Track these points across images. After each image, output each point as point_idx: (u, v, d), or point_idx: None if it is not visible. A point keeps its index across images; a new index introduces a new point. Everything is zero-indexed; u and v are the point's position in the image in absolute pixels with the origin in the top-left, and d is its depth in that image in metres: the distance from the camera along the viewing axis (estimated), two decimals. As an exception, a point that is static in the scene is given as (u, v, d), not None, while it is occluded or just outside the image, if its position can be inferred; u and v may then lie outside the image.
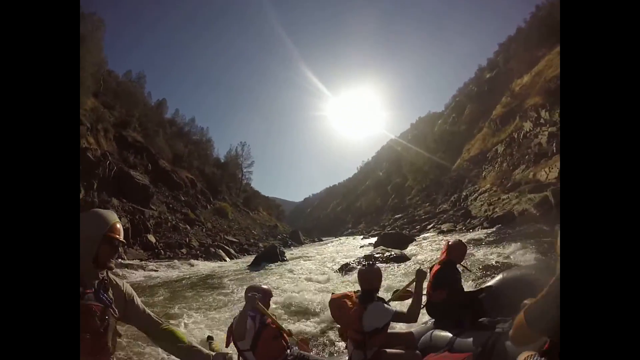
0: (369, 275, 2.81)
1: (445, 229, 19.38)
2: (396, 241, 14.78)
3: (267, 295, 2.87)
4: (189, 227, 25.72)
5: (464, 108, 57.14)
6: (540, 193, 16.36)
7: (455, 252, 3.68)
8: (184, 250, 19.78)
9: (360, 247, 20.57)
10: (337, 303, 2.83)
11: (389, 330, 2.81)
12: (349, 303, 2.77)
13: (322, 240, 40.77)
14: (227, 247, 23.44)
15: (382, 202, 69.21)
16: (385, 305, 2.69)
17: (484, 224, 16.68)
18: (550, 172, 19.53)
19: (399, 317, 2.66)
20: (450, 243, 3.76)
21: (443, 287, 3.51)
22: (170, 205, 28.79)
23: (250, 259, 18.37)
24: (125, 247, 18.74)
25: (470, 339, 2.84)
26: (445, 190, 38.10)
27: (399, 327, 3.46)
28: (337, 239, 41.18)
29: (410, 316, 2.63)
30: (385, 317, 2.63)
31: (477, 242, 12.11)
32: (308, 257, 17.31)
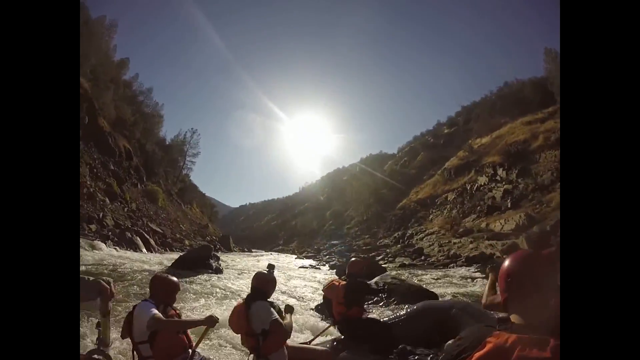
0: (265, 278, 2.78)
1: (406, 263, 17.48)
2: (369, 271, 11.94)
3: (174, 287, 2.66)
4: (108, 201, 20.97)
5: (417, 154, 59.45)
6: (499, 240, 17.21)
7: (359, 268, 3.78)
8: (92, 227, 15.40)
9: (300, 267, 17.84)
10: (234, 311, 2.74)
11: (303, 345, 2.95)
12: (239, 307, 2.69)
13: (251, 252, 37.26)
14: (148, 236, 19.28)
15: (318, 225, 68.51)
16: (270, 307, 2.59)
17: (458, 262, 15.11)
18: (505, 224, 20.35)
19: (277, 324, 2.52)
20: (352, 261, 3.95)
21: (359, 304, 3.53)
22: (95, 170, 23.60)
23: (172, 256, 14.84)
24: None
25: None
26: (389, 225, 38.04)
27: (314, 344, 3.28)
28: (268, 253, 38.39)
29: (286, 332, 2.57)
30: (269, 316, 2.52)
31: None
32: (246, 271, 12.89)
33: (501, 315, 1.09)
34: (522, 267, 1.06)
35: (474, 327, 1.34)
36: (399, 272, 13.35)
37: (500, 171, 28.53)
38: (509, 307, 1.07)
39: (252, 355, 2.62)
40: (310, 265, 19.31)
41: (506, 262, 1.10)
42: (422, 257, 18.81)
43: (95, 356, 2.32)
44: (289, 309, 2.81)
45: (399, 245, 26.66)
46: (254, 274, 2.81)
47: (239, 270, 12.82)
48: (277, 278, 2.85)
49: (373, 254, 23.79)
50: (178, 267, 10.83)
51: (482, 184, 29.55)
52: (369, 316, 3.80)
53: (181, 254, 14.46)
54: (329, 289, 3.73)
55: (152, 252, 17.18)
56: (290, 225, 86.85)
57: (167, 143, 48.42)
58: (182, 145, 48.62)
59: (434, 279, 11.58)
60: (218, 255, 14.20)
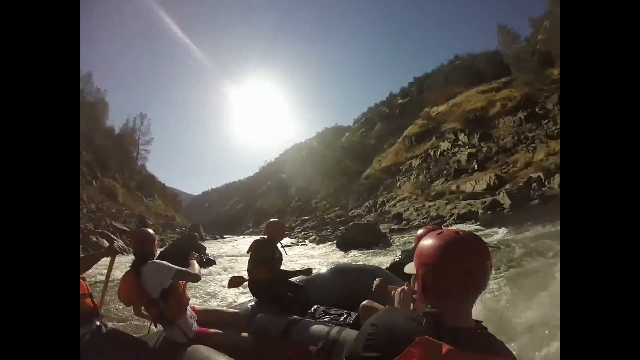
0: (139, 236, 2.51)
1: (395, 228, 16.97)
2: (367, 236, 11.48)
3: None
4: (63, 203, 18.72)
5: (374, 125, 59.62)
6: (476, 199, 17.39)
7: (273, 230, 3.54)
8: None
9: (285, 246, 16.85)
10: (122, 283, 2.35)
11: (211, 307, 3.05)
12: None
13: (224, 238, 35.69)
14: (114, 237, 17.53)
15: (284, 203, 67.19)
16: (165, 262, 2.33)
17: (448, 221, 14.97)
18: (477, 184, 20.60)
19: (182, 274, 2.32)
20: (269, 222, 3.66)
21: (266, 264, 3.33)
22: (39, 172, 20.85)
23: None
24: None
25: (308, 329, 2.57)
26: (357, 195, 38.02)
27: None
28: (242, 237, 36.76)
29: (196, 275, 2.41)
30: (167, 272, 2.27)
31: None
32: (233, 256, 12.43)
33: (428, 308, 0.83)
34: (442, 243, 0.84)
35: (391, 312, 0.94)
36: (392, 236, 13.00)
37: (461, 136, 29.13)
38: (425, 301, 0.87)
39: (152, 326, 2.43)
40: (291, 243, 18.19)
41: (424, 243, 0.88)
42: (403, 222, 18.58)
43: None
44: (192, 256, 2.63)
45: (372, 214, 26.41)
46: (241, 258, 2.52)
47: (229, 257, 11.99)
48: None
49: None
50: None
51: (445, 149, 30.09)
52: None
53: (160, 249, 13.09)
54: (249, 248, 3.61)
55: (123, 253, 15.56)
56: (256, 207, 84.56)
57: (117, 133, 44.22)
58: (133, 133, 44.55)
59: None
60: (204, 246, 13.00)
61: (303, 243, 17.52)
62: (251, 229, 56.86)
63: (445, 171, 26.81)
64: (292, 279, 3.55)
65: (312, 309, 3.14)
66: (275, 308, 3.02)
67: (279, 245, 3.54)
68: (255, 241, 3.49)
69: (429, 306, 0.84)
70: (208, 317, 2.57)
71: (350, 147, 55.37)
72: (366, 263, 7.54)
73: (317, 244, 15.76)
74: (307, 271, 3.58)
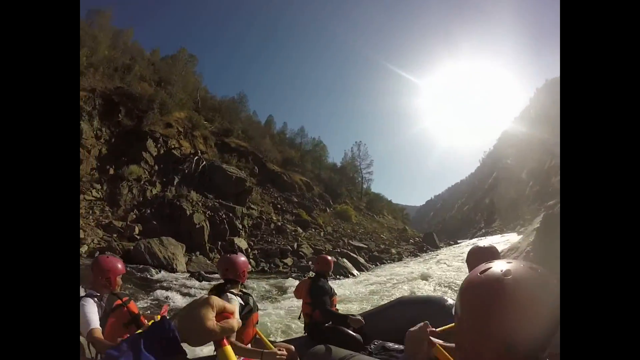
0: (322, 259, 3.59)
1: None
2: None
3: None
4: (300, 230, 18.14)
5: None
6: None
7: (323, 265, 3.49)
8: (287, 260, 12.06)
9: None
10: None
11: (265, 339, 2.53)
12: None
13: (458, 244, 31.80)
14: (354, 255, 15.45)
15: (517, 193, 55.09)
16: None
17: None
18: None
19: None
20: (318, 257, 3.71)
21: (327, 305, 3.22)
22: (279, 206, 21.79)
23: (384, 271, 10.92)
24: (195, 252, 12.03)
25: None
26: None
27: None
28: (477, 239, 32.73)
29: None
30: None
31: None
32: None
33: None
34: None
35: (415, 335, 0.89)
36: None
37: None
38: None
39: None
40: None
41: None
42: None
43: None
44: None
45: None
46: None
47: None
48: None
49: None
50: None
51: None
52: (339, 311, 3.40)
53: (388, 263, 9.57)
54: (296, 288, 3.54)
55: (362, 271, 13.01)
56: (484, 205, 74.81)
57: (339, 166, 47.18)
58: (354, 161, 46.86)
59: None
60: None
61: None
62: (483, 229, 51.29)
63: None
64: (355, 313, 3.32)
65: (372, 344, 3.03)
66: (333, 342, 2.76)
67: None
68: (307, 282, 3.43)
69: None
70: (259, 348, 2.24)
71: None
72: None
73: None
74: (356, 321, 3.04)
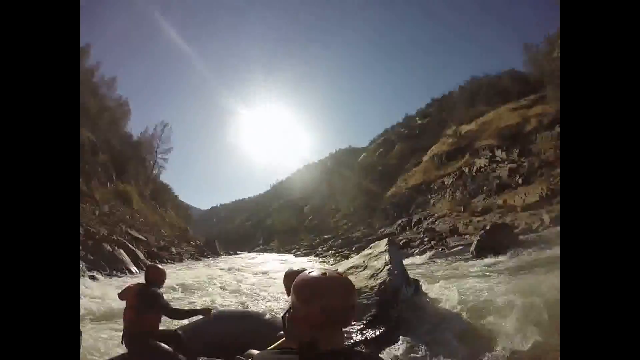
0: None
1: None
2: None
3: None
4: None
5: (392, 145, 57.84)
6: (535, 210, 15.83)
7: (155, 275, 3.24)
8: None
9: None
10: None
11: None
12: None
13: (237, 254, 33.10)
14: (132, 247, 13.89)
15: (298, 222, 64.57)
16: None
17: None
18: (527, 197, 19.07)
19: None
20: (149, 266, 3.61)
21: (154, 311, 3.05)
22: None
23: (168, 270, 10.97)
24: None
25: None
26: (385, 215, 35.83)
27: None
28: (257, 254, 34.96)
29: None
30: None
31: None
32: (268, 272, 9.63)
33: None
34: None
35: (264, 354, 0.96)
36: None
37: (499, 152, 27.91)
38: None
39: None
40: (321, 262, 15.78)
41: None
42: (456, 236, 16.64)
43: None
44: None
45: (407, 232, 24.21)
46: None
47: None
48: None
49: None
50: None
51: (482, 165, 28.37)
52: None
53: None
54: (122, 291, 3.22)
55: (142, 268, 10.90)
56: (266, 224, 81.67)
57: (135, 139, 40.52)
58: (152, 141, 40.78)
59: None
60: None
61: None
62: (261, 246, 56.24)
63: (485, 187, 25.45)
64: (174, 327, 3.46)
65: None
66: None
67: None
68: (136, 287, 3.10)
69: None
70: None
71: (369, 167, 53.92)
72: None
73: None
74: (205, 311, 3.10)
